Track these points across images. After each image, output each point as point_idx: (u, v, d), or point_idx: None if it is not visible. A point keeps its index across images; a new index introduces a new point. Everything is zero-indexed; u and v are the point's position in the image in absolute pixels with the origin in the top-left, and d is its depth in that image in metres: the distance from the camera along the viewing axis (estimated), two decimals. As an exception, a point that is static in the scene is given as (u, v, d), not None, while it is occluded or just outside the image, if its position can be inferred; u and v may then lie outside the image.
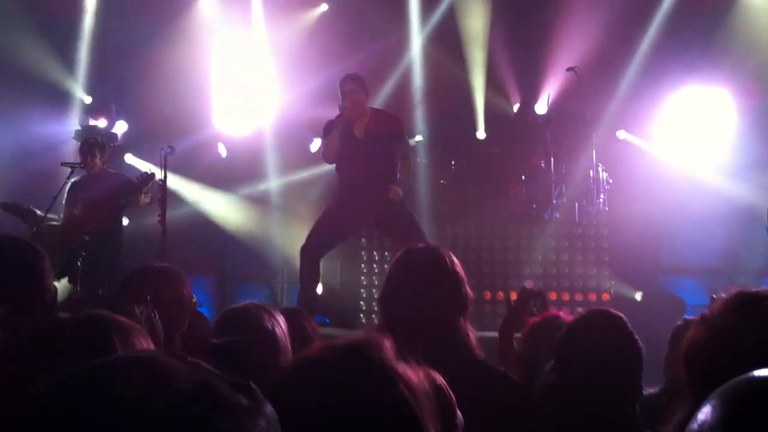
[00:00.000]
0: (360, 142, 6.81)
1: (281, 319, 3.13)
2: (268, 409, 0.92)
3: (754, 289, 1.80)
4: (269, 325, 3.00)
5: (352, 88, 6.82)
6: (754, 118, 9.42)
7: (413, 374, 1.35)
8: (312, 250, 6.92)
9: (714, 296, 3.28)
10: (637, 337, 2.71)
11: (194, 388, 0.86)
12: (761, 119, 9.34)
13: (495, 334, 3.66)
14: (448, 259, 2.78)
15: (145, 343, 1.63)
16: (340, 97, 6.87)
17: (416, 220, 7.01)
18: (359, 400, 1.25)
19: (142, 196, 7.51)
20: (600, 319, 2.80)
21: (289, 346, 3.06)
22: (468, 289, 2.79)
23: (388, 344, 1.38)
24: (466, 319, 2.78)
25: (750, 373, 0.95)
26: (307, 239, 6.98)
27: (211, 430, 0.84)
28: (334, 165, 7.09)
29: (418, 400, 1.30)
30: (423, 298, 2.69)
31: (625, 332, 2.72)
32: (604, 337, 2.71)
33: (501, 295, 7.83)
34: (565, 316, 3.57)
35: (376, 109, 7.38)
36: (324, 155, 7.02)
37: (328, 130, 6.95)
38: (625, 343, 2.70)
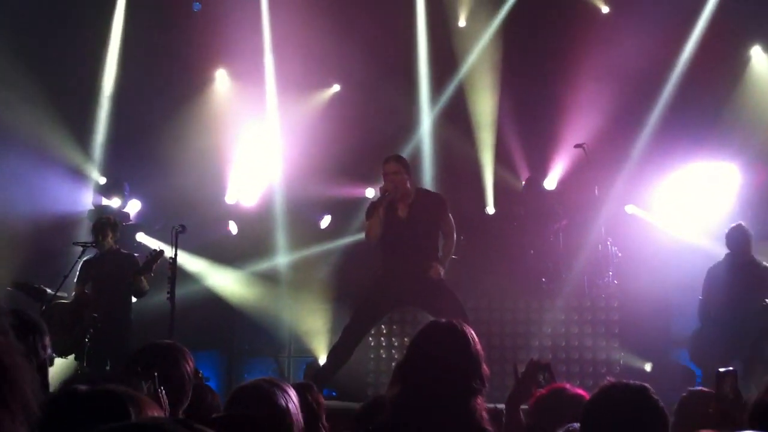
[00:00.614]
0: (403, 222, 6.88)
1: (293, 394, 3.13)
2: None
3: None
4: (282, 401, 3.01)
5: (395, 170, 6.90)
6: (764, 192, 9.46)
7: None
8: (355, 331, 7.01)
9: (721, 370, 3.28)
10: (662, 404, 2.63)
11: None
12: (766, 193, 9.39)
13: (503, 405, 3.64)
14: (470, 338, 2.82)
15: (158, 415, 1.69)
16: (383, 179, 6.95)
17: (457, 298, 6.99)
18: None
19: (144, 280, 7.61)
20: (623, 392, 2.69)
21: (302, 421, 3.06)
22: (485, 368, 2.81)
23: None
24: (482, 399, 2.79)
25: None
26: (351, 320, 7.07)
27: None
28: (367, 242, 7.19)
29: None
30: (442, 373, 2.72)
31: (650, 404, 2.63)
32: (628, 410, 2.62)
33: (510, 367, 7.75)
34: (572, 388, 3.55)
35: (420, 188, 7.46)
36: (367, 236, 7.07)
37: (370, 212, 7.01)
38: (651, 416, 2.62)
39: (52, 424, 1.61)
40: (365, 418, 3.82)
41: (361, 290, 7.37)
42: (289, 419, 2.99)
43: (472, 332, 2.88)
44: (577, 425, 2.71)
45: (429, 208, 6.99)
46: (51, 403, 1.69)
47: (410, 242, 6.84)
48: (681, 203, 9.85)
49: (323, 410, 3.91)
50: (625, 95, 9.98)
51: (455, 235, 7.12)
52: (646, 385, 2.70)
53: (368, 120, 10.54)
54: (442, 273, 6.91)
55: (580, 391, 3.41)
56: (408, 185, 6.98)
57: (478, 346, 2.85)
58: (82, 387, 1.72)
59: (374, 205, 7.00)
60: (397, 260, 6.91)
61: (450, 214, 7.12)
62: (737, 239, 7.80)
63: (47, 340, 2.69)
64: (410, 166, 7.17)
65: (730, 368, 3.25)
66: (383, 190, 6.89)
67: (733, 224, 7.93)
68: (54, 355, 2.65)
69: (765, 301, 7.46)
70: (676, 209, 9.83)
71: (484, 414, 2.81)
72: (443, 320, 2.97)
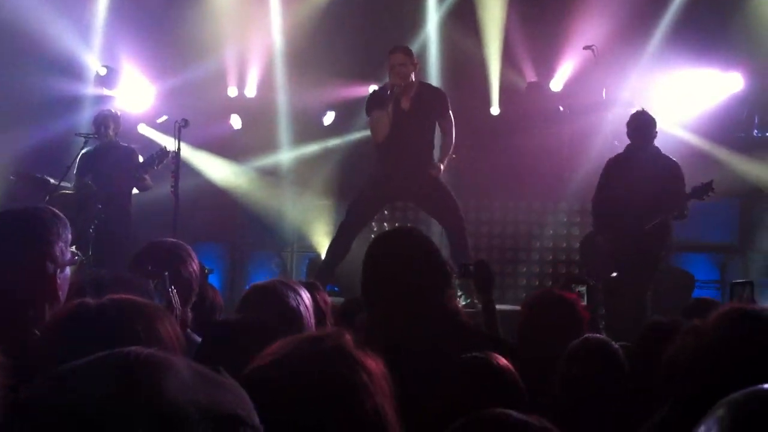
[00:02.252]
0: (405, 114, 6.87)
1: (306, 296, 3.14)
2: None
3: (748, 307, 1.80)
4: (294, 303, 3.01)
5: (402, 61, 6.88)
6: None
7: (371, 361, 1.44)
8: (351, 227, 7.07)
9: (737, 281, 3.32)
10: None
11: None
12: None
13: (512, 306, 3.70)
14: (421, 237, 2.86)
15: (170, 327, 1.69)
16: (388, 70, 6.92)
17: (452, 195, 7.10)
18: (322, 384, 1.35)
19: (147, 177, 7.61)
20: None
21: (313, 323, 3.09)
22: (449, 266, 2.82)
23: (348, 336, 1.48)
24: (451, 289, 2.81)
25: (759, 386, 0.94)
26: (346, 215, 7.15)
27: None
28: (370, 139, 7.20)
29: (374, 382, 1.39)
30: (402, 275, 2.72)
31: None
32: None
33: (510, 268, 7.86)
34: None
35: (423, 82, 7.39)
36: (374, 133, 7.05)
37: (374, 103, 7.01)
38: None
39: (60, 344, 1.62)
40: (346, 316, 3.85)
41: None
42: (300, 321, 3.01)
43: (421, 233, 2.89)
44: None
45: (431, 102, 7.00)
46: (60, 321, 1.70)
47: (410, 135, 6.86)
48: (688, 108, 9.75)
49: (329, 309, 3.97)
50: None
51: (454, 133, 7.09)
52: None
53: (372, 15, 10.32)
54: (441, 170, 6.93)
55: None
56: (412, 77, 6.96)
57: (433, 245, 2.85)
58: (91, 301, 1.72)
59: (379, 97, 6.97)
60: (395, 153, 6.92)
61: (450, 111, 7.07)
62: (639, 127, 7.02)
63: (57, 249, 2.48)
64: (415, 58, 7.14)
65: (747, 280, 3.29)
66: (391, 86, 6.81)
67: (636, 110, 7.26)
68: (68, 260, 2.50)
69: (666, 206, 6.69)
70: (682, 113, 9.75)
71: (457, 307, 2.85)
72: (390, 230, 3.00)
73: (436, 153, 7.33)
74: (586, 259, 7.19)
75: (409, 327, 2.68)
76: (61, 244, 2.44)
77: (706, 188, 6.60)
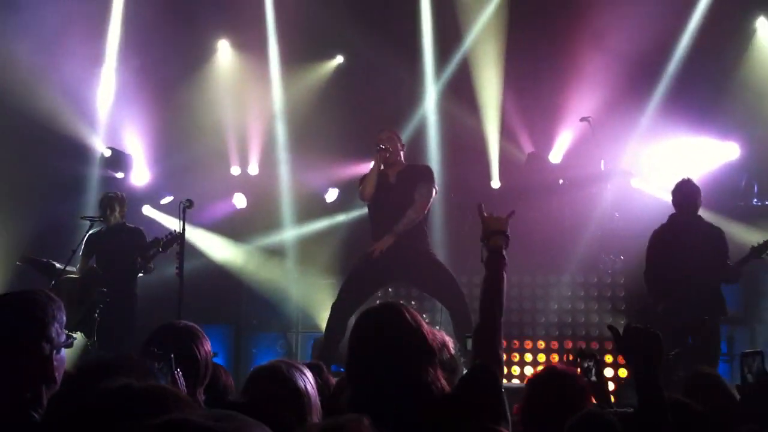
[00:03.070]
0: (392, 188, 6.97)
1: (310, 375, 3.14)
2: None
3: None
4: (301, 382, 3.02)
5: (388, 136, 7.16)
6: (765, 168, 9.44)
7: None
8: (343, 307, 7.01)
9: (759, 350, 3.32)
10: None
11: None
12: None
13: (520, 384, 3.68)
14: (407, 313, 2.79)
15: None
16: (377, 144, 7.09)
17: (448, 272, 7.05)
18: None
19: (151, 260, 7.64)
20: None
21: (319, 403, 3.07)
22: (431, 338, 2.81)
23: (366, 422, 1.46)
24: (435, 368, 2.78)
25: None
26: (339, 294, 7.09)
27: None
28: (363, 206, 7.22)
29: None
30: (387, 353, 2.68)
31: None
32: None
33: (516, 343, 7.82)
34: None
35: (411, 164, 7.50)
36: (360, 192, 7.20)
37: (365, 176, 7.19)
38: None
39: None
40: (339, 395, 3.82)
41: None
42: (307, 401, 3.00)
43: (410, 309, 2.85)
44: None
45: (416, 176, 7.05)
46: (95, 399, 1.68)
47: (398, 210, 6.91)
48: (683, 176, 9.80)
49: (331, 389, 3.95)
50: (631, 68, 9.91)
51: (426, 210, 7.03)
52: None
53: (372, 93, 10.49)
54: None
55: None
56: (400, 156, 7.13)
57: (417, 319, 2.80)
58: (132, 384, 1.71)
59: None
60: (384, 228, 6.97)
61: (433, 187, 7.08)
62: (685, 196, 6.99)
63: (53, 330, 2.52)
64: (402, 140, 7.35)
65: (758, 350, 3.29)
66: (379, 146, 6.99)
67: (682, 179, 7.21)
68: (63, 343, 2.52)
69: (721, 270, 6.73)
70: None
71: (442, 383, 2.79)
72: (372, 307, 2.97)
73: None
74: None
75: (388, 405, 2.67)
76: (56, 325, 2.46)
77: (763, 247, 6.66)
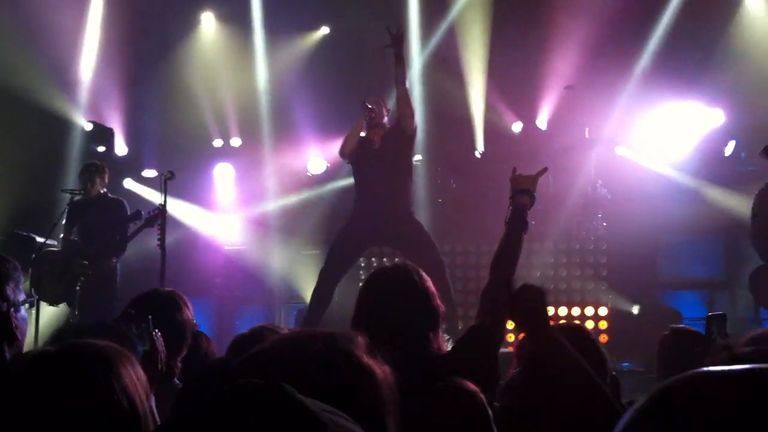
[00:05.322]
0: (377, 153, 6.99)
1: None
2: None
3: None
4: None
5: (375, 100, 7.17)
6: (750, 135, 9.45)
7: (378, 368, 1.42)
8: (330, 273, 7.06)
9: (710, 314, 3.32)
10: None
11: None
12: (758, 135, 9.37)
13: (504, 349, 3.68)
14: (416, 276, 2.87)
15: (133, 372, 1.60)
16: (363, 104, 7.12)
17: (430, 239, 7.07)
18: (323, 385, 1.31)
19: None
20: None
21: None
22: (438, 303, 2.84)
23: (360, 339, 1.46)
24: (437, 333, 2.81)
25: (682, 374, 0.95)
26: (325, 262, 7.11)
27: None
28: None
29: (380, 391, 1.37)
30: (393, 315, 2.76)
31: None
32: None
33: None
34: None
35: (393, 126, 7.49)
36: (340, 148, 7.25)
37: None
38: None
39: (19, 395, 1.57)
40: None
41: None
42: None
43: (420, 271, 2.91)
44: None
45: (397, 133, 7.07)
46: (17, 371, 1.65)
47: (382, 175, 6.94)
48: (671, 144, 9.83)
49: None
50: (617, 36, 9.89)
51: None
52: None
53: (358, 64, 10.43)
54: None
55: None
56: (385, 120, 7.18)
57: (428, 283, 2.89)
58: (50, 348, 1.65)
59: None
60: (369, 193, 7.03)
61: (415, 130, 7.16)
62: None
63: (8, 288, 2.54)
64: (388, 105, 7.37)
65: (719, 312, 3.31)
66: (365, 104, 7.04)
67: None
68: (22, 300, 2.51)
69: None
70: (665, 150, 9.83)
71: (442, 344, 2.88)
72: (388, 266, 3.03)
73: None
74: (761, 290, 7.06)
75: (388, 360, 2.71)
76: (11, 284, 2.47)
77: None
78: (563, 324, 3.73)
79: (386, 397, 1.41)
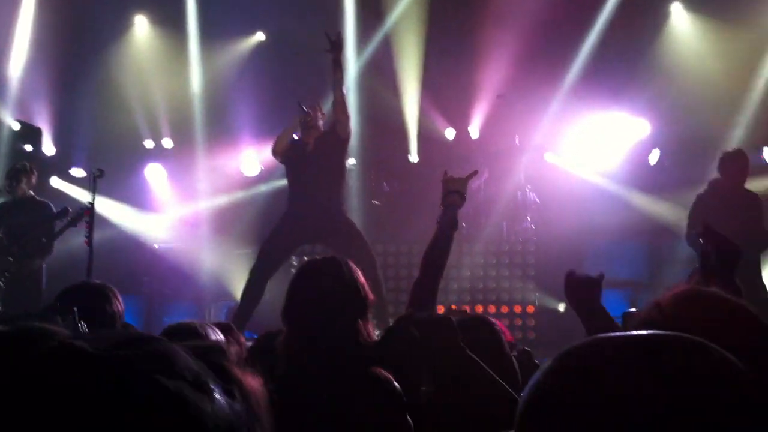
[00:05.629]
0: (311, 154, 7.00)
1: (220, 334, 3.16)
2: None
3: (701, 288, 1.94)
4: (214, 337, 3.02)
5: (311, 104, 7.24)
6: (674, 144, 9.77)
7: (249, 380, 1.49)
8: (261, 270, 7.06)
9: (633, 309, 3.44)
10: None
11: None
12: (681, 146, 9.70)
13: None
14: (345, 267, 2.94)
15: None
16: (298, 104, 7.19)
17: (364, 240, 7.13)
18: None
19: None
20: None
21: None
22: (367, 293, 2.91)
23: (233, 350, 1.50)
24: (366, 321, 2.89)
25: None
26: (257, 259, 7.11)
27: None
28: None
29: (250, 402, 1.43)
30: (323, 305, 2.82)
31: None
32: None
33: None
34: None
35: (327, 130, 7.53)
36: (273, 147, 7.30)
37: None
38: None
39: None
40: (260, 353, 3.84)
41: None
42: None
43: (349, 263, 2.98)
44: None
45: (331, 137, 7.13)
46: None
47: (316, 175, 6.98)
48: (597, 151, 10.08)
49: (244, 350, 3.95)
50: (547, 48, 10.12)
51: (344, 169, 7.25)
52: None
53: (293, 68, 10.46)
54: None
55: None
56: (320, 123, 7.23)
57: (356, 274, 2.95)
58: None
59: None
60: (302, 192, 7.07)
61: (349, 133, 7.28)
62: (736, 164, 6.86)
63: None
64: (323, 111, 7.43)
65: (634, 309, 3.44)
66: (300, 105, 7.12)
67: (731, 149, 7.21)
68: None
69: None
70: (591, 157, 10.07)
71: (372, 335, 2.94)
72: (315, 258, 3.10)
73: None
74: None
75: (319, 348, 2.78)
76: None
77: None
78: (466, 316, 3.83)
79: (255, 409, 1.47)
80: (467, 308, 4.88)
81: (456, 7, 10.78)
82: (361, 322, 2.93)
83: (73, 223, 7.44)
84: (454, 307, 4.85)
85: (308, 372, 2.77)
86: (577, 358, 0.95)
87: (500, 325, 3.78)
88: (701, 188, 7.04)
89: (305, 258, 8.60)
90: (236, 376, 1.45)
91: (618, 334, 0.98)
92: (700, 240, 3.06)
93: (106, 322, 3.14)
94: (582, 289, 3.32)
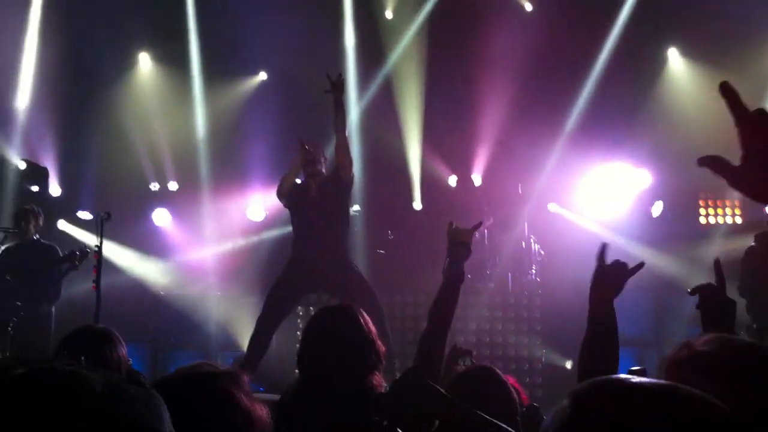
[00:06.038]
0: (314, 201, 7.00)
1: None
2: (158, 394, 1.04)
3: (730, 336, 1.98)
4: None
5: (313, 143, 7.16)
6: (676, 196, 9.82)
7: (256, 407, 1.52)
8: (268, 320, 6.99)
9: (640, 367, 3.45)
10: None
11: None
12: (683, 198, 9.74)
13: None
14: (360, 318, 2.97)
15: None
16: (300, 144, 7.10)
17: (369, 286, 7.08)
18: (198, 420, 1.40)
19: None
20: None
21: None
22: (380, 345, 2.93)
23: (243, 379, 1.58)
24: (376, 372, 2.92)
25: (599, 378, 1.07)
26: (263, 309, 7.05)
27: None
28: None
29: (255, 428, 1.46)
30: (336, 354, 2.85)
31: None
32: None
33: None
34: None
35: (331, 175, 7.53)
36: (278, 188, 7.19)
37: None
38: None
39: None
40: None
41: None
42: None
43: (363, 313, 3.01)
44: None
45: (335, 182, 7.07)
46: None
47: (319, 223, 6.95)
48: (600, 202, 10.12)
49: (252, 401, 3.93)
50: (546, 96, 10.20)
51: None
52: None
53: (295, 109, 10.50)
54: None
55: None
56: (322, 167, 7.19)
57: (370, 325, 2.98)
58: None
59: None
60: (307, 242, 7.01)
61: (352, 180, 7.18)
62: None
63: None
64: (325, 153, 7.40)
65: (640, 367, 3.45)
66: (302, 144, 7.05)
67: None
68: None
69: None
70: (595, 208, 10.11)
71: (381, 386, 2.95)
72: (332, 305, 3.10)
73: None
74: None
75: (331, 398, 2.80)
76: None
77: None
78: (473, 367, 3.85)
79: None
80: (473, 352, 4.89)
81: (454, 53, 10.85)
82: (371, 373, 2.94)
83: (74, 265, 7.41)
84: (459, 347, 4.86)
85: (316, 414, 2.80)
86: (588, 399, 1.02)
87: (515, 384, 3.80)
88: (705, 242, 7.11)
89: (311, 309, 8.59)
90: (244, 403, 1.47)
91: (625, 377, 1.07)
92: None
93: (111, 368, 3.14)
94: (614, 282, 3.22)
